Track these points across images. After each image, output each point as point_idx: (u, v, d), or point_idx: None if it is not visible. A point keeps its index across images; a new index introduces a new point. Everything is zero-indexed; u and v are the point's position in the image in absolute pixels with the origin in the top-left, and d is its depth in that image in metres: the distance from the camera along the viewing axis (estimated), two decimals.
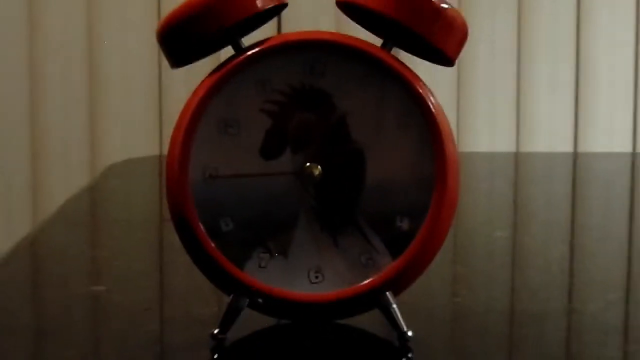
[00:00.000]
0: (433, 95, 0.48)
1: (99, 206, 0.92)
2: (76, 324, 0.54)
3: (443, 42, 0.48)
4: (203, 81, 0.48)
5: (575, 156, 1.54)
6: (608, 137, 1.67)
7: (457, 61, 0.49)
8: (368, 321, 0.50)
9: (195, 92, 0.48)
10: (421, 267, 0.48)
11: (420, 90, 0.48)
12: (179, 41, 0.48)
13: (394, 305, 0.48)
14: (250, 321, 0.49)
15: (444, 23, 0.47)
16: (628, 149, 1.67)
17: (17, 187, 1.62)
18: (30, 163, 1.63)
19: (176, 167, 0.48)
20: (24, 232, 0.83)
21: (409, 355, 0.47)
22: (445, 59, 0.48)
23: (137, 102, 1.61)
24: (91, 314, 0.56)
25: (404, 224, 0.48)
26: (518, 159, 1.39)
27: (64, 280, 0.62)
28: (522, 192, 1.01)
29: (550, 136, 1.67)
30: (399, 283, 0.48)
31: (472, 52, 1.61)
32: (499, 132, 1.66)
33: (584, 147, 1.66)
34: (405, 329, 0.48)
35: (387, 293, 0.48)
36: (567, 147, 1.67)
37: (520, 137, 1.66)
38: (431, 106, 0.48)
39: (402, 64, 0.48)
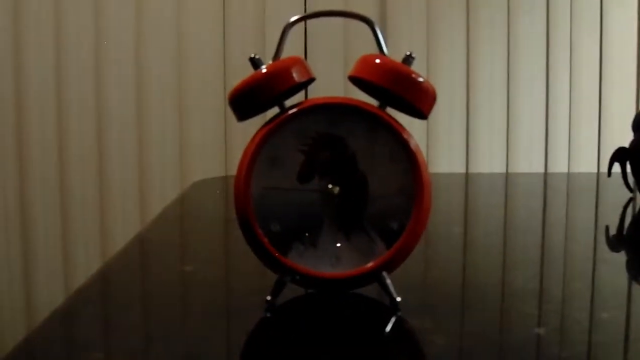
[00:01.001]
0: (413, 139, 0.48)
1: (186, 211, 0.92)
2: (172, 294, 0.54)
3: (420, 103, 0.48)
4: (258, 131, 0.49)
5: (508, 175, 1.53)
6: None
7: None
8: (370, 291, 0.50)
9: (252, 139, 0.49)
10: (406, 254, 0.48)
11: (405, 136, 0.48)
12: (242, 104, 0.49)
13: (388, 281, 0.48)
14: (291, 291, 0.49)
15: (421, 91, 0.48)
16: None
17: (129, 195, 1.63)
18: (138, 177, 1.64)
19: (242, 188, 0.48)
20: (134, 230, 0.84)
21: (398, 313, 0.47)
22: (422, 114, 0.49)
23: (210, 138, 1.62)
24: (182, 286, 0.56)
25: (394, 225, 0.48)
26: (468, 178, 1.39)
27: (164, 262, 0.63)
28: (472, 201, 1.01)
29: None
30: (391, 265, 0.48)
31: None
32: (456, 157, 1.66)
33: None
34: (395, 296, 0.48)
35: (383, 272, 0.48)
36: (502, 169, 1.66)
37: (469, 161, 1.65)
38: (412, 147, 0.48)
39: (393, 118, 0.48)
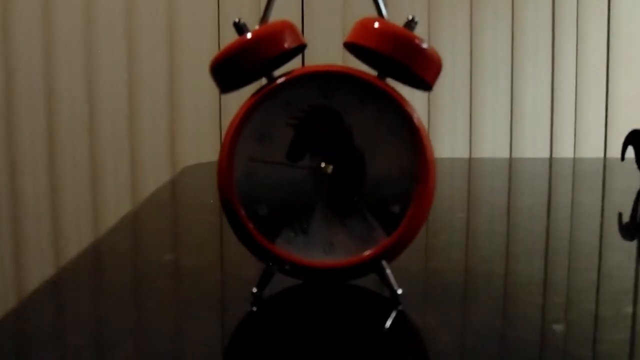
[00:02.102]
0: (416, 113, 0.43)
1: (174, 197, 0.87)
2: (148, 285, 0.49)
3: (425, 72, 0.43)
4: (243, 103, 0.43)
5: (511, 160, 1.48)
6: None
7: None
8: (367, 282, 0.45)
9: (237, 112, 0.43)
10: (408, 241, 0.43)
11: (408, 109, 0.43)
12: (224, 73, 0.44)
13: (388, 271, 0.43)
14: (280, 281, 0.44)
15: (426, 58, 0.42)
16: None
17: (121, 181, 1.58)
18: (130, 164, 1.59)
19: (224, 167, 0.43)
20: (125, 211, 0.79)
21: (399, 307, 0.42)
22: (426, 85, 0.43)
23: (204, 121, 1.56)
24: (160, 276, 0.51)
25: (395, 209, 0.43)
26: (471, 163, 1.34)
27: (143, 250, 0.58)
28: (474, 186, 0.96)
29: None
30: (391, 253, 0.43)
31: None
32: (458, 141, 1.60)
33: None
34: (396, 288, 0.43)
35: (383, 261, 0.43)
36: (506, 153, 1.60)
37: (472, 145, 1.60)
38: (416, 121, 0.42)
39: (393, 88, 0.43)
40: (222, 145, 0.44)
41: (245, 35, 0.43)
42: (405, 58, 0.42)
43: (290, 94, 0.43)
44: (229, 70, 0.43)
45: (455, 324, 0.41)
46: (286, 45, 0.43)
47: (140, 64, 1.56)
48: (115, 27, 1.54)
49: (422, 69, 0.42)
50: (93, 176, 1.59)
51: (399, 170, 0.43)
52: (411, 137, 0.42)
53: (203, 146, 1.56)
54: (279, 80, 0.43)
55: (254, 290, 0.43)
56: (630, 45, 1.56)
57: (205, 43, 1.54)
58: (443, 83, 1.56)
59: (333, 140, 0.43)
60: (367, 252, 0.43)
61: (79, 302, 0.45)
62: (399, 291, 0.43)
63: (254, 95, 0.43)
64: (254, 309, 0.42)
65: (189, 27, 1.54)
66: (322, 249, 0.43)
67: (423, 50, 0.42)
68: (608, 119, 1.56)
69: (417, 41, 0.42)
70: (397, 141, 0.43)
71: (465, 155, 1.59)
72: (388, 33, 0.42)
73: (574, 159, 1.52)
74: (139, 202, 1.52)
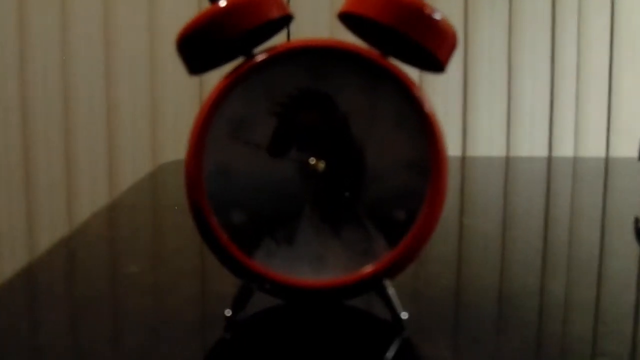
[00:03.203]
0: (427, 97, 0.35)
1: (145, 198, 0.79)
2: (105, 303, 0.41)
3: (437, 48, 0.35)
4: (215, 86, 0.36)
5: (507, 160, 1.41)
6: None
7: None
8: (364, 302, 0.37)
9: (208, 97, 0.35)
10: (415, 254, 0.36)
11: (417, 93, 0.35)
12: (194, 49, 0.36)
13: (391, 290, 0.36)
14: (259, 301, 0.36)
15: (437, 31, 0.35)
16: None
17: (98, 176, 1.50)
18: (109, 160, 1.50)
19: (192, 164, 0.35)
20: (102, 204, 0.72)
21: (403, 334, 0.35)
22: (438, 65, 0.36)
23: (185, 115, 1.48)
24: (121, 292, 0.44)
25: (400, 216, 0.35)
26: (465, 162, 1.27)
27: (103, 261, 0.50)
28: (476, 187, 0.89)
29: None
30: (395, 269, 0.35)
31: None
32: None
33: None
34: (400, 312, 0.35)
35: (385, 280, 0.35)
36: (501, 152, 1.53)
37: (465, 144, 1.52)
38: (427, 108, 0.35)
39: (399, 69, 0.35)
40: (189, 139, 0.36)
41: (219, 3, 0.35)
42: (413, 31, 0.34)
43: (273, 75, 0.35)
44: (198, 45, 0.35)
45: (474, 357, 0.33)
46: (268, 15, 0.35)
47: (118, 53, 1.47)
48: (92, 15, 1.46)
49: (434, 44, 0.35)
50: (68, 171, 1.50)
51: (406, 167, 0.35)
52: (421, 128, 0.35)
53: (184, 141, 1.48)
54: (259, 58, 0.35)
55: (227, 313, 0.35)
56: (635, 36, 1.48)
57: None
58: (435, 77, 1.48)
59: (325, 131, 0.35)
60: (366, 269, 0.35)
61: (16, 329, 0.37)
62: (404, 315, 0.35)
63: (227, 75, 0.35)
64: (227, 336, 0.35)
65: (169, 12, 1.46)
66: (311, 264, 0.35)
67: (435, 21, 0.34)
68: (611, 115, 1.49)
69: (427, 10, 0.34)
70: (404, 132, 0.35)
71: (458, 153, 1.51)
72: (392, 0, 0.34)
73: (574, 158, 1.45)
74: (114, 196, 1.44)
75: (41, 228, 1.52)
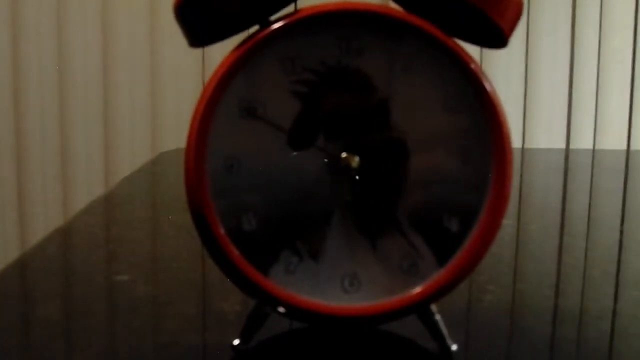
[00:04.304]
0: (487, 77, 0.28)
1: (142, 191, 0.72)
2: (90, 316, 0.34)
3: (501, 16, 0.28)
4: (223, 60, 0.28)
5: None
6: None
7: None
8: (402, 326, 0.30)
9: (214, 72, 0.28)
10: (470, 272, 0.29)
11: (476, 70, 0.28)
12: (197, 14, 0.29)
13: (437, 316, 0.29)
14: (276, 322, 0.29)
15: None
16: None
17: (94, 167, 1.43)
18: (104, 150, 1.43)
19: (193, 156, 0.28)
20: (98, 193, 0.66)
21: None
22: (500, 37, 0.29)
23: (185, 104, 1.40)
24: (108, 305, 0.37)
25: (453, 225, 0.28)
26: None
27: (90, 266, 0.43)
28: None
29: None
30: (444, 291, 0.28)
31: None
32: None
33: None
34: (449, 343, 0.28)
35: (432, 305, 0.28)
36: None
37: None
38: (487, 87, 0.28)
39: (453, 40, 0.28)
40: (190, 125, 0.29)
41: None
42: None
43: (294, 46, 0.28)
44: (201, 9, 0.28)
45: None
46: None
47: (117, 39, 1.40)
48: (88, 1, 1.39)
49: (496, 11, 0.27)
50: (62, 155, 1.44)
51: (460, 165, 0.28)
52: (482, 117, 0.28)
53: (184, 128, 1.41)
54: (277, 26, 0.28)
55: (235, 342, 0.28)
56: None
57: None
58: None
59: (359, 118, 0.28)
60: (409, 292, 0.28)
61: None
62: (454, 347, 0.28)
63: (238, 47, 0.28)
64: None
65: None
66: (341, 285, 0.28)
67: None
68: (633, 105, 1.41)
69: None
70: (458, 120, 0.28)
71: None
72: None
73: (594, 150, 1.38)
74: (110, 186, 1.37)
75: (35, 216, 1.46)
